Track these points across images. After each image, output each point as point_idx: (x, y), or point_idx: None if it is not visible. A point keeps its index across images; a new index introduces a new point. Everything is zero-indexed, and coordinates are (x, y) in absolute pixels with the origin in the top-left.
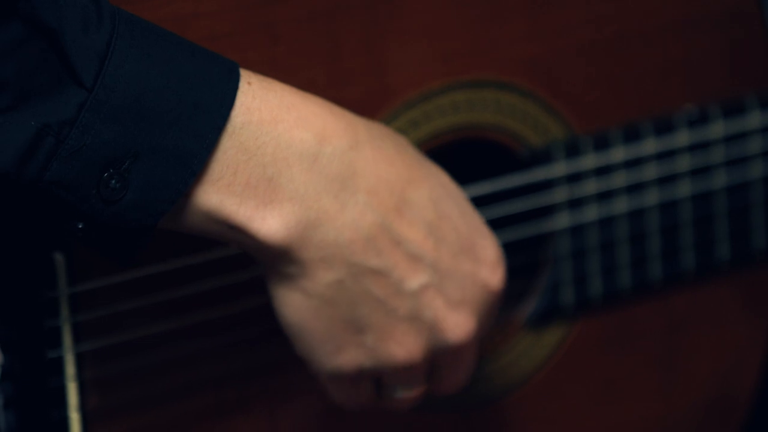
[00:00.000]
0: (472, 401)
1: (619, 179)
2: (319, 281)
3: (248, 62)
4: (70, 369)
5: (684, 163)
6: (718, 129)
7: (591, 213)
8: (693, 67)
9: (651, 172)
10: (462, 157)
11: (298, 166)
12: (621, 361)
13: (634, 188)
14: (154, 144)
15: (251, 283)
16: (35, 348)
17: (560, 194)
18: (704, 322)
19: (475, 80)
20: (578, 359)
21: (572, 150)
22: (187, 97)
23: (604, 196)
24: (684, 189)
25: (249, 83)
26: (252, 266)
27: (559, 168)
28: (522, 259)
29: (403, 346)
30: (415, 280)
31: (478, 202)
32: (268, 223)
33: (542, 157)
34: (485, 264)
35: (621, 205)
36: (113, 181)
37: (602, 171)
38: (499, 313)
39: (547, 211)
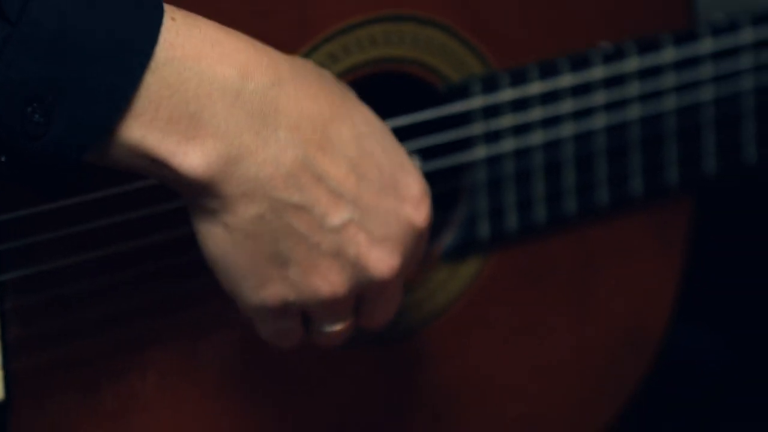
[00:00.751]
0: (388, 334)
1: (536, 113)
2: (240, 216)
3: None
4: None
5: (599, 97)
6: (633, 64)
7: (507, 146)
8: (610, 6)
9: (567, 106)
10: (381, 91)
11: (220, 102)
12: (536, 294)
13: (550, 122)
14: (77, 79)
15: (174, 214)
16: None
17: (477, 128)
18: (618, 256)
19: (395, 15)
20: (494, 292)
21: (490, 85)
22: (111, 32)
23: (521, 130)
24: (599, 122)
25: (173, 19)
26: (175, 198)
27: (477, 102)
28: (440, 191)
29: (327, 281)
30: (337, 216)
31: (398, 136)
32: (190, 157)
33: (460, 92)
34: (409, 200)
35: (537, 139)
36: (37, 116)
37: (519, 105)
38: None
39: (466, 145)
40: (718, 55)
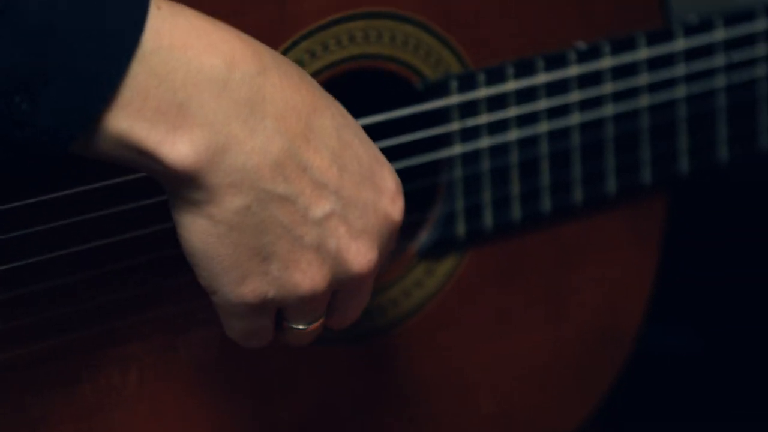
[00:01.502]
0: (364, 331)
1: (511, 112)
2: (226, 207)
3: None
4: None
5: (575, 96)
6: (607, 63)
7: (483, 144)
8: (585, 5)
9: (542, 105)
10: (359, 88)
11: (207, 92)
12: (511, 292)
13: (526, 121)
14: (64, 68)
15: (154, 209)
16: None
17: (454, 126)
18: (593, 254)
19: (373, 12)
20: (469, 289)
21: (466, 82)
22: (97, 21)
23: (497, 129)
24: (574, 120)
25: (159, 8)
26: (154, 193)
27: (453, 100)
28: (417, 189)
29: (308, 275)
30: (320, 207)
31: (375, 133)
32: (178, 148)
33: (437, 89)
34: (386, 193)
35: (512, 137)
36: (24, 104)
37: (495, 104)
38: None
39: (442, 142)
40: (691, 54)
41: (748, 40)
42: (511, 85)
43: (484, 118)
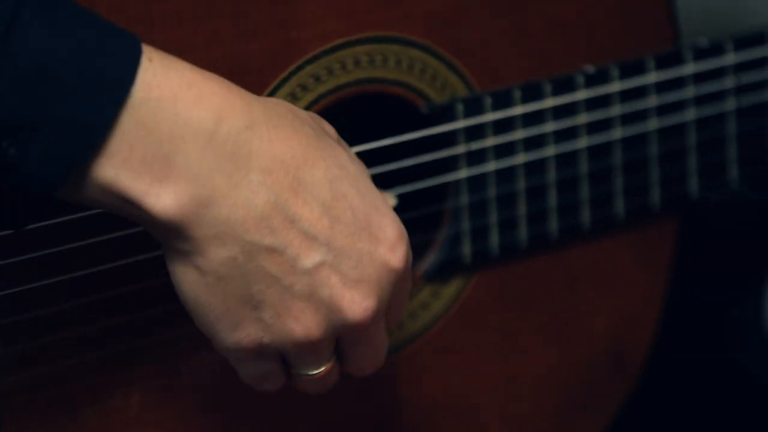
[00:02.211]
0: None
1: (519, 134)
2: (212, 258)
3: (153, 13)
4: None
5: (582, 119)
6: (615, 87)
7: (490, 168)
8: (593, 28)
9: (549, 128)
10: (365, 112)
11: (193, 144)
12: (518, 315)
13: (533, 143)
14: (54, 115)
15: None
16: None
17: (460, 149)
18: (601, 278)
19: (378, 36)
20: (475, 312)
21: (472, 106)
22: (88, 70)
23: (504, 151)
24: (582, 144)
25: (150, 60)
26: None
27: (460, 124)
28: (423, 213)
29: (301, 323)
30: (309, 258)
31: (380, 157)
32: (162, 199)
33: (443, 113)
34: (384, 242)
35: (520, 160)
36: (12, 149)
37: (502, 127)
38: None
39: (449, 166)
40: (700, 77)
41: (759, 63)
42: (518, 109)
43: (490, 142)
